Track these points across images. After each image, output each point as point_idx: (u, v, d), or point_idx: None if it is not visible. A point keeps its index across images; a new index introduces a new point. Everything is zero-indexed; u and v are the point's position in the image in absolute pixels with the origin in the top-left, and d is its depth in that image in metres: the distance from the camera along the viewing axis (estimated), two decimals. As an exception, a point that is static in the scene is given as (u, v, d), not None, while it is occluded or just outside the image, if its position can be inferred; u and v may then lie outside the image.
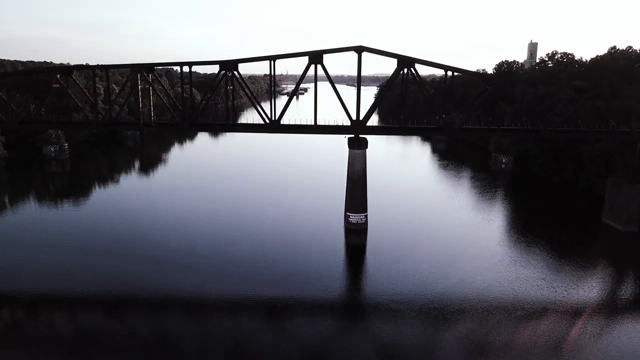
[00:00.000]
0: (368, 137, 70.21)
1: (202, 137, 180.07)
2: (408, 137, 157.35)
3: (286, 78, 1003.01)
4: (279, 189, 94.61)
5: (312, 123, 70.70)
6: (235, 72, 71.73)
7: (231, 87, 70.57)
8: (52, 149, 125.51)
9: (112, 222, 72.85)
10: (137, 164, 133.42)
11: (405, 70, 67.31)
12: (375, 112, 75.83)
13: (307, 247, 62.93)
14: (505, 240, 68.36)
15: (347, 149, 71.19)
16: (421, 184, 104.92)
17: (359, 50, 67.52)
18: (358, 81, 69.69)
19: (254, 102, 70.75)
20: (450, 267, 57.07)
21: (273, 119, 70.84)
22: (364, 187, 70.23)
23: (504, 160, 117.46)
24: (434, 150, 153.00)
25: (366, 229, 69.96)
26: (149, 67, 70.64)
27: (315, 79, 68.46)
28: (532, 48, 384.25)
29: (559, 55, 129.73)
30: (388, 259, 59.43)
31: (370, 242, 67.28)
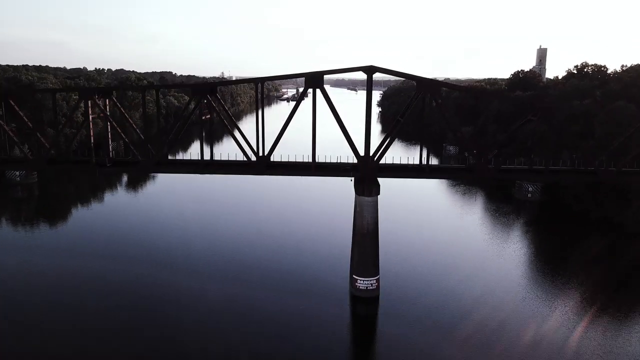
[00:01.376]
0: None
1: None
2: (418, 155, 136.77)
3: (286, 81, 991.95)
4: (265, 244, 72.83)
5: (310, 159, 56.29)
6: (217, 94, 57.79)
7: (207, 117, 56.09)
8: (18, 173, 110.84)
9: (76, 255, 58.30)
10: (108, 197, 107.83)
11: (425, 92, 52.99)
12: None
13: (299, 327, 48.45)
14: (553, 316, 53.48)
15: (353, 190, 56.69)
16: (439, 222, 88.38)
17: (370, 71, 53.09)
18: (367, 108, 55.04)
19: (235, 135, 56.04)
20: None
21: (261, 154, 56.44)
22: (375, 244, 55.61)
23: (530, 189, 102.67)
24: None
25: (378, 296, 55.38)
26: (105, 91, 56.14)
27: (314, 107, 54.03)
28: (542, 54, 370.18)
29: (590, 69, 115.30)
30: (409, 342, 44.92)
31: (383, 316, 52.79)
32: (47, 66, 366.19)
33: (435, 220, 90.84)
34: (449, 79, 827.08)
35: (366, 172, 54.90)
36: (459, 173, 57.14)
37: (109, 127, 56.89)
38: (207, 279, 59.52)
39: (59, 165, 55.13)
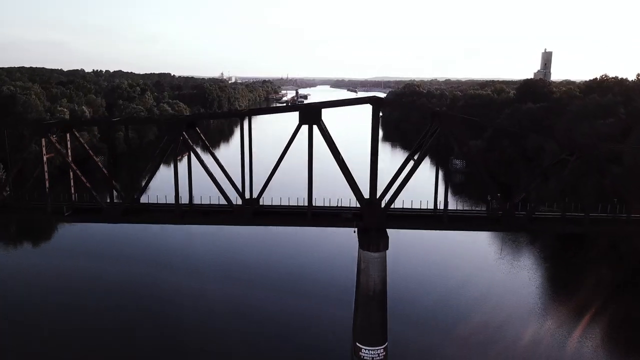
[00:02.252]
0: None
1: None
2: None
3: (286, 82, 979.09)
4: (250, 304, 60.97)
5: (306, 203, 47.69)
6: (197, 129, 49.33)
7: (180, 157, 47.51)
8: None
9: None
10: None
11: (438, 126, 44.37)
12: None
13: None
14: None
15: (354, 234, 48.10)
16: (459, 275, 70.52)
17: (376, 103, 44.57)
18: (373, 143, 46.39)
19: (217, 176, 47.42)
20: None
21: (249, 196, 47.92)
22: (383, 307, 46.96)
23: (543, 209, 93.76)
24: (452, 182, 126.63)
25: (386, 369, 46.75)
26: (63, 126, 47.37)
27: (310, 149, 45.43)
28: (547, 57, 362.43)
29: (611, 82, 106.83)
30: None
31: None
32: (43, 68, 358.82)
33: (455, 272, 72.51)
34: (449, 79, 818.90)
35: (372, 222, 46.33)
36: (483, 225, 48.39)
37: (70, 168, 48.08)
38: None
39: (6, 215, 46.48)
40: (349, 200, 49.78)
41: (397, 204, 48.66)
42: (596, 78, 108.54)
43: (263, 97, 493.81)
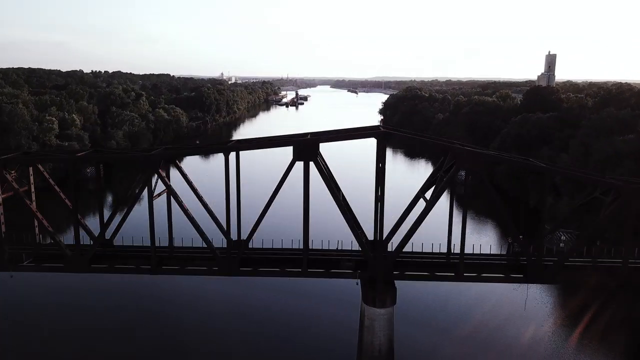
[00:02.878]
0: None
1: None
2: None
3: (286, 82, 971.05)
4: None
5: (301, 245, 41.56)
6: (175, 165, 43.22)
7: (157, 196, 41.30)
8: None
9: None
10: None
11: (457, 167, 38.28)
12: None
13: None
14: None
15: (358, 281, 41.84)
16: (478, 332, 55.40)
17: (383, 137, 38.43)
18: (378, 178, 40.35)
19: (197, 218, 41.27)
20: None
21: (235, 237, 41.82)
22: (390, 371, 40.91)
23: (563, 238, 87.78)
24: (453, 194, 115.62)
25: None
26: (16, 162, 41.08)
27: (306, 187, 39.25)
28: (551, 60, 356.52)
29: (627, 93, 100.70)
30: None
31: None
32: (41, 69, 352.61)
33: (474, 328, 56.38)
34: (450, 79, 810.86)
35: (378, 273, 40.17)
36: (505, 277, 42.11)
37: (32, 208, 41.84)
38: None
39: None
40: (350, 242, 43.62)
41: (405, 247, 42.49)
42: (612, 90, 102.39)
43: (262, 99, 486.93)
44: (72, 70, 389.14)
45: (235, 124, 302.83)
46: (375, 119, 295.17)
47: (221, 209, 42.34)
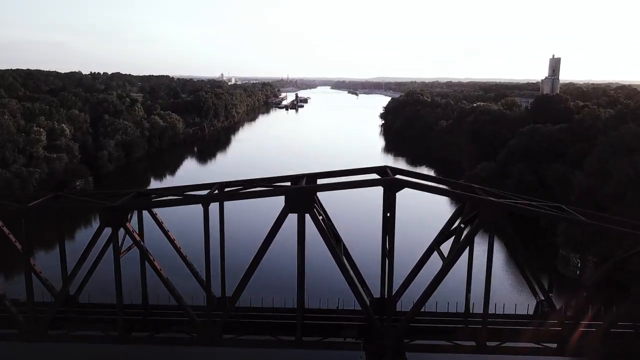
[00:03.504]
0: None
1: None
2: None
3: (286, 83, 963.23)
4: None
5: (295, 304, 35.45)
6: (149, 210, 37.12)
7: (123, 252, 35.19)
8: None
9: None
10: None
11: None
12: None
13: None
14: None
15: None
16: None
17: (389, 187, 32.31)
18: (387, 234, 34.29)
19: (169, 276, 35.16)
20: None
21: (219, 294, 35.77)
22: None
23: (579, 264, 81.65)
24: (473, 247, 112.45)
25: None
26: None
27: (302, 241, 33.14)
28: (555, 64, 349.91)
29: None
30: None
31: None
32: (39, 70, 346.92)
33: None
34: (450, 80, 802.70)
35: (387, 343, 34.02)
36: (534, 348, 35.91)
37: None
38: None
39: None
40: (352, 301, 37.42)
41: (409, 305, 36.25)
42: (629, 104, 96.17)
43: (262, 101, 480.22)
44: (71, 72, 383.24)
45: (234, 128, 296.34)
46: (376, 123, 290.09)
47: (202, 261, 36.20)
